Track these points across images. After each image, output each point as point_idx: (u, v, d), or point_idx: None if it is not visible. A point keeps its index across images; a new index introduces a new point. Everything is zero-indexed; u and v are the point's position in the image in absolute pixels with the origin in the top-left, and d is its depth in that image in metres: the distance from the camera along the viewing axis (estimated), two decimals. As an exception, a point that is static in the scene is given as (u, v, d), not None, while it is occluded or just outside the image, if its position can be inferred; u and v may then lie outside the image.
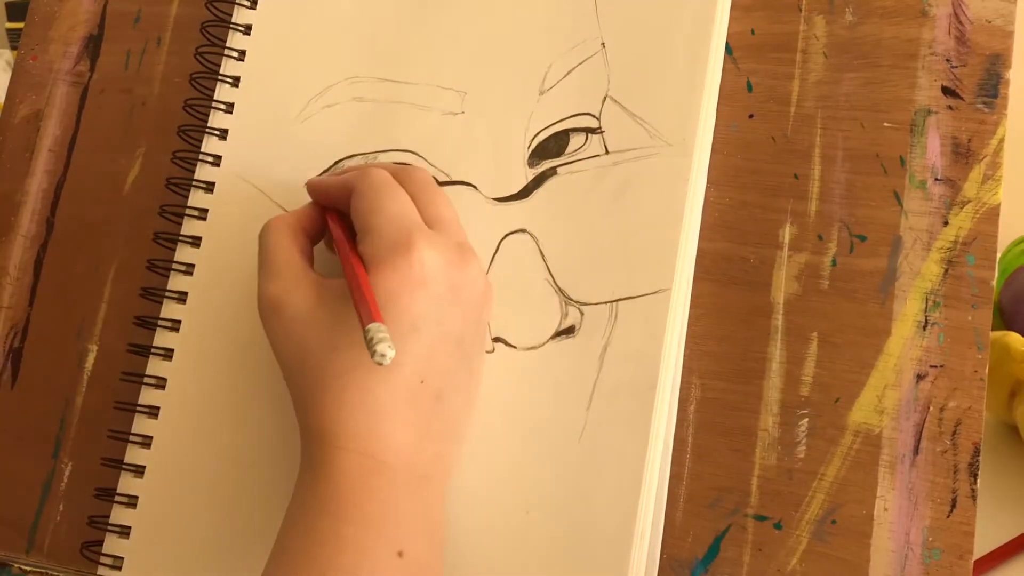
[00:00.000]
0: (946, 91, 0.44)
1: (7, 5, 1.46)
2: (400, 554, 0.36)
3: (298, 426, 0.40)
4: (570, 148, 0.45)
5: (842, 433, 0.42)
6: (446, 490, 0.41)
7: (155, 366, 0.47)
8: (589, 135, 0.45)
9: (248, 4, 0.51)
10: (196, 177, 0.49)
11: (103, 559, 0.46)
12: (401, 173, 0.43)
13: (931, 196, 0.43)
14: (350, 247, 0.41)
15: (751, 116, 0.46)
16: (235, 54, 0.50)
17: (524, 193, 0.45)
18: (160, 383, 0.47)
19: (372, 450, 0.37)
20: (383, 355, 0.34)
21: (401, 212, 0.40)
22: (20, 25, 1.36)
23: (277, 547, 0.37)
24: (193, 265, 0.48)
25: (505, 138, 0.46)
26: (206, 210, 0.48)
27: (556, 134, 0.46)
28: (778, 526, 0.42)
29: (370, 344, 0.34)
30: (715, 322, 0.44)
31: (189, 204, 0.49)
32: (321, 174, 0.48)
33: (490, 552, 0.42)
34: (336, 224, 0.43)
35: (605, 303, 0.43)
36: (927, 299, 0.42)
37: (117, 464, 0.47)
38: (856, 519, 0.41)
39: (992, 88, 0.43)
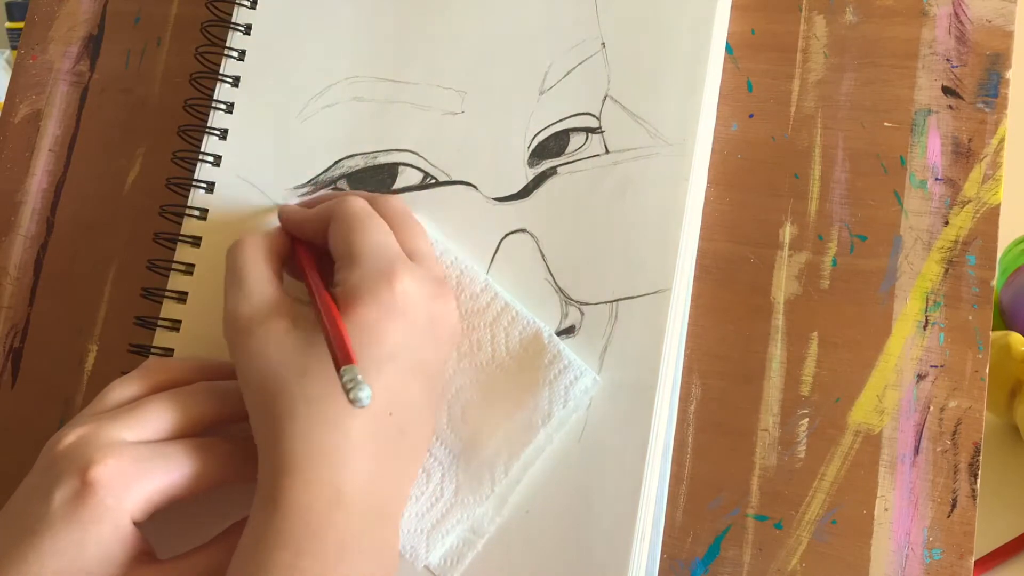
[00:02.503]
0: (946, 91, 0.44)
1: (7, 5, 1.46)
2: None
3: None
4: (570, 148, 0.45)
5: (842, 433, 0.42)
6: (400, 522, 0.40)
7: (155, 366, 0.47)
8: (589, 135, 0.45)
9: (248, 4, 0.51)
10: (196, 177, 0.49)
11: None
12: (379, 203, 0.43)
13: (931, 196, 0.43)
14: (321, 281, 0.40)
15: (751, 116, 0.46)
16: (235, 54, 0.50)
17: (524, 193, 0.45)
18: (160, 383, 0.47)
19: (335, 481, 0.36)
20: (358, 399, 0.34)
21: (383, 242, 0.40)
22: (20, 25, 1.36)
23: (233, 573, 0.36)
24: (193, 265, 0.48)
25: (505, 138, 0.46)
26: (206, 210, 0.48)
27: (556, 134, 0.46)
28: (778, 526, 0.42)
29: (347, 387, 0.34)
30: (715, 322, 0.44)
31: (189, 204, 0.48)
32: (310, 181, 0.47)
33: (490, 552, 0.42)
34: (306, 256, 0.43)
35: (605, 303, 0.43)
36: (927, 299, 0.42)
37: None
38: (856, 519, 0.41)
39: (992, 88, 0.43)
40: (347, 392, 0.34)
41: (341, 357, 0.35)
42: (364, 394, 0.34)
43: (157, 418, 0.39)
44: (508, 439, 0.42)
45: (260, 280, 0.41)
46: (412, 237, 0.42)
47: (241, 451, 0.40)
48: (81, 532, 0.36)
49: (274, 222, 0.47)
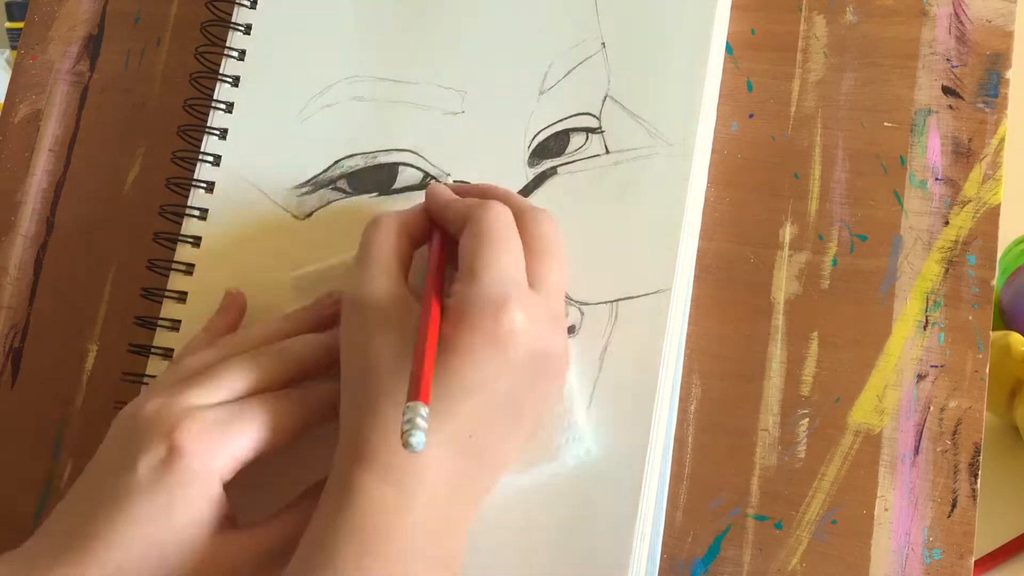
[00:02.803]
0: (946, 91, 0.44)
1: (7, 5, 1.46)
2: None
3: (338, 434, 0.39)
4: (570, 148, 0.45)
5: (842, 433, 0.42)
6: (465, 538, 0.40)
7: (155, 366, 0.47)
8: (589, 135, 0.45)
9: (248, 4, 0.51)
10: (196, 177, 0.49)
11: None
12: (525, 218, 0.41)
13: (931, 196, 0.43)
14: (436, 291, 0.39)
15: (751, 116, 0.46)
16: (235, 54, 0.50)
17: (524, 193, 0.45)
18: (160, 383, 0.47)
19: (408, 486, 0.36)
20: (410, 444, 0.33)
21: (507, 265, 0.39)
22: (20, 25, 1.36)
23: (298, 561, 0.36)
24: (193, 265, 0.48)
25: (505, 138, 0.46)
26: (206, 210, 0.48)
27: (556, 134, 0.46)
28: (778, 526, 0.42)
29: (403, 426, 0.33)
30: (715, 322, 0.44)
31: (189, 204, 0.48)
32: (310, 180, 0.47)
33: (490, 552, 0.42)
34: (436, 251, 0.41)
35: (605, 303, 0.43)
36: (928, 299, 0.42)
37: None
38: (856, 519, 0.41)
39: (992, 88, 0.43)
40: (402, 431, 0.33)
41: (413, 391, 0.35)
42: (416, 440, 0.33)
43: (231, 380, 0.40)
44: None
45: (384, 268, 0.40)
46: (544, 264, 0.40)
47: (316, 395, 0.41)
48: (168, 496, 0.37)
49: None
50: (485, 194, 0.42)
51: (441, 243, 0.42)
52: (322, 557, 0.35)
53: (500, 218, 0.39)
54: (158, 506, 0.37)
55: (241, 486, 0.39)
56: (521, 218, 0.40)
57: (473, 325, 0.37)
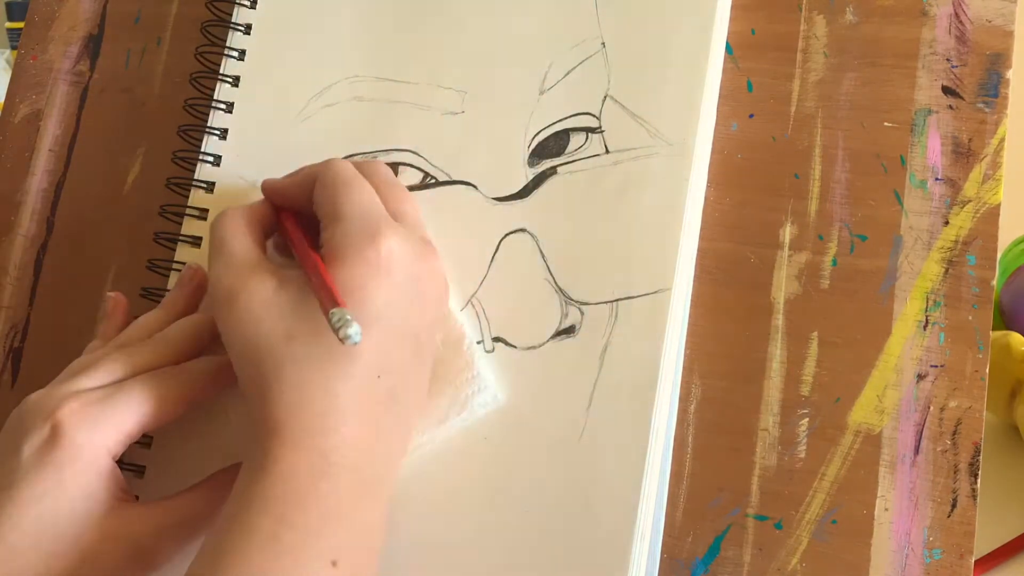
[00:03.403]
0: (946, 91, 0.44)
1: (7, 5, 1.46)
2: (334, 563, 0.35)
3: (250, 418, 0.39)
4: (570, 147, 0.45)
5: (842, 433, 0.42)
6: (392, 494, 0.39)
7: (155, 366, 0.47)
8: (589, 134, 0.45)
9: (248, 4, 0.51)
10: (196, 177, 0.49)
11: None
12: (364, 167, 0.42)
13: (931, 196, 0.43)
14: (307, 241, 0.40)
15: (751, 116, 0.46)
16: (235, 54, 0.50)
17: (524, 192, 0.45)
18: (160, 383, 0.47)
19: (323, 448, 0.36)
20: (348, 336, 0.34)
21: (368, 202, 0.40)
22: (20, 25, 1.36)
23: (212, 540, 0.36)
24: (193, 265, 0.48)
25: (505, 137, 0.46)
26: (206, 210, 0.48)
27: (556, 133, 0.46)
28: (778, 526, 0.42)
29: (335, 326, 0.34)
30: (715, 322, 0.44)
31: (189, 204, 0.49)
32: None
33: (490, 552, 0.42)
34: (290, 220, 0.43)
35: (605, 303, 0.43)
36: (928, 299, 0.42)
37: (117, 464, 0.47)
38: (856, 519, 0.41)
39: (992, 88, 0.43)
40: (336, 331, 0.34)
41: (328, 301, 0.35)
42: (353, 331, 0.34)
43: (111, 368, 0.41)
44: None
45: (242, 247, 0.40)
46: (397, 199, 0.42)
47: (195, 369, 0.41)
48: (57, 473, 0.37)
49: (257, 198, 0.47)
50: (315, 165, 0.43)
51: (293, 220, 0.43)
52: (238, 530, 0.35)
53: (344, 166, 0.41)
54: (47, 485, 0.37)
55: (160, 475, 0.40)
56: (359, 167, 0.42)
57: (354, 259, 0.38)
